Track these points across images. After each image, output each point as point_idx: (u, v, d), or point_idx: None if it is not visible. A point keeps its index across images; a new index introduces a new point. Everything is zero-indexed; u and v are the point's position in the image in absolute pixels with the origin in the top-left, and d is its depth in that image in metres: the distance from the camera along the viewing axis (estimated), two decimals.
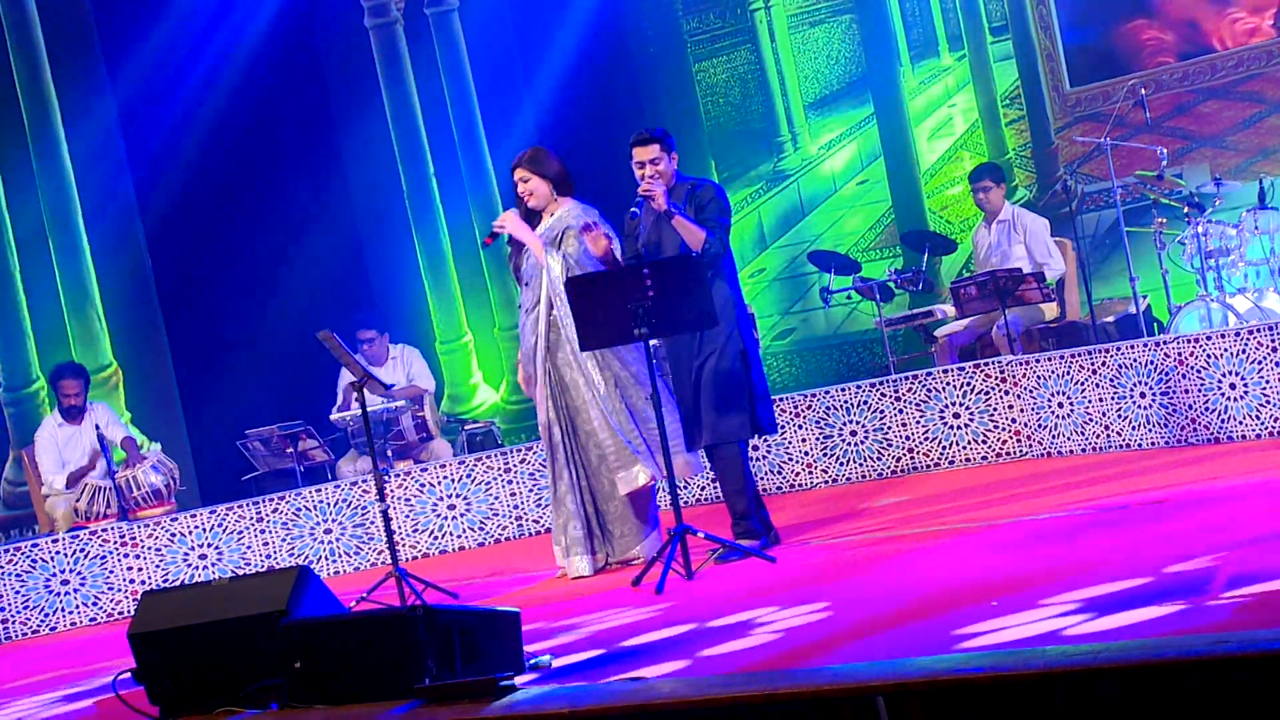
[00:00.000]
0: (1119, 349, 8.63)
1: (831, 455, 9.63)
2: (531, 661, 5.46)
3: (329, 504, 9.92)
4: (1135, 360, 8.49)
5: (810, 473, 9.68)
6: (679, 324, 6.97)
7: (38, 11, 12.69)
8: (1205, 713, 3.57)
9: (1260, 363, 8.02)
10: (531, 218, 7.69)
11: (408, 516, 9.94)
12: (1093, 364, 8.70)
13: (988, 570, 5.92)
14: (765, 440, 9.66)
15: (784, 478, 9.74)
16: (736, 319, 7.32)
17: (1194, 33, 11.54)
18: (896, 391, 9.49)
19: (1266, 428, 8.02)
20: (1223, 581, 4.89)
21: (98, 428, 10.37)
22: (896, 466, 9.47)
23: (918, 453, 9.42)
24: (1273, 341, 8.00)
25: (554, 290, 7.48)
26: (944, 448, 9.35)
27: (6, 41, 12.65)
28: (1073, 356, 8.87)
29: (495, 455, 10.11)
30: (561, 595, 7.27)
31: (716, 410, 7.30)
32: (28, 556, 9.70)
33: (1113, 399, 8.60)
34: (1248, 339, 8.09)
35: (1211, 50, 11.45)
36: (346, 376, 10.32)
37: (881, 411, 9.51)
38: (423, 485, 10.00)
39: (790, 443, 9.71)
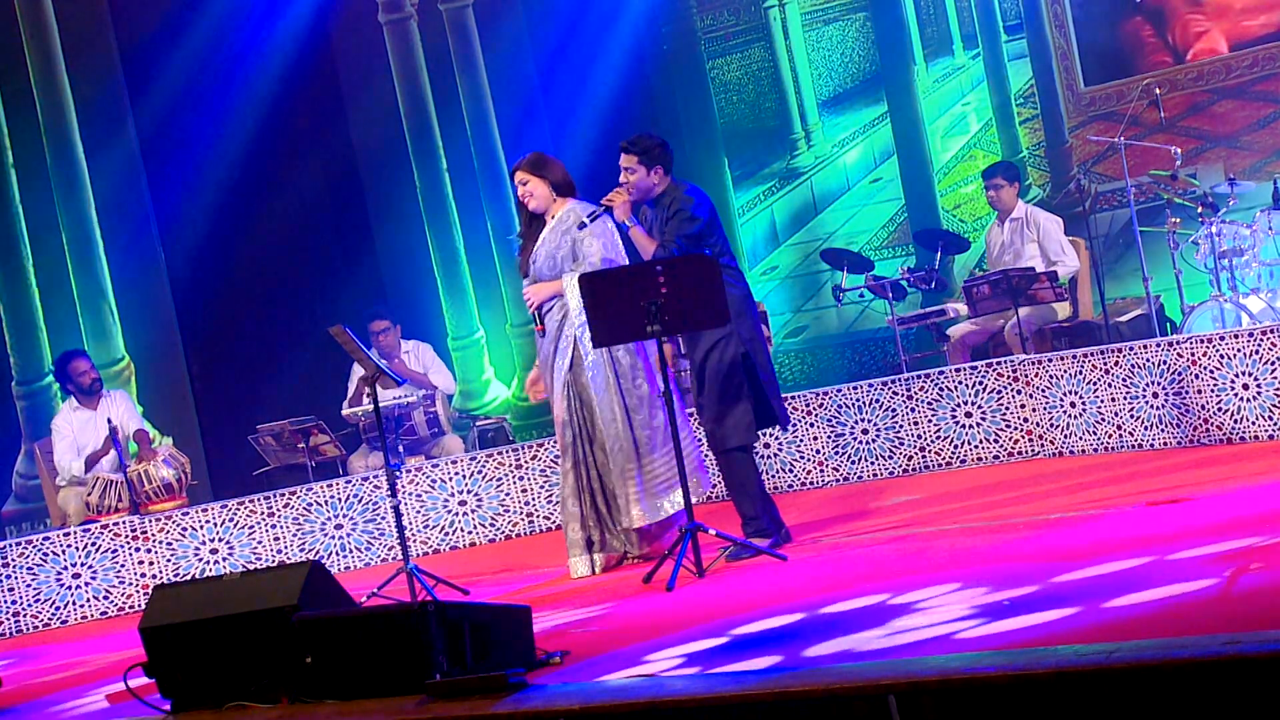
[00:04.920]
0: (1132, 349, 8.62)
1: (843, 454, 9.62)
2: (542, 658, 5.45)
3: (340, 499, 9.93)
4: (1148, 360, 8.48)
5: (822, 471, 9.67)
6: (691, 321, 6.95)
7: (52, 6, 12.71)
8: (1217, 713, 3.57)
9: (1274, 363, 8.00)
10: (533, 222, 7.74)
11: (419, 512, 9.95)
12: (1105, 364, 8.68)
13: (997, 569, 5.92)
14: (776, 438, 9.66)
15: (795, 476, 9.73)
16: (733, 317, 7.20)
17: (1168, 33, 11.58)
18: (908, 390, 9.48)
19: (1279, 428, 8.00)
20: (1235, 582, 4.88)
21: (110, 421, 10.38)
22: (908, 465, 9.46)
23: (929, 451, 9.41)
24: None
25: (577, 310, 7.48)
26: (956, 447, 9.34)
27: (21, 31, 12.66)
28: (1085, 356, 8.86)
29: (507, 451, 10.11)
30: (575, 592, 7.27)
31: (717, 415, 7.28)
32: (39, 550, 9.72)
33: (1125, 399, 8.58)
34: (1261, 339, 8.07)
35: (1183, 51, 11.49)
36: (359, 372, 10.33)
37: (893, 410, 9.49)
38: (434, 481, 10.00)
39: (802, 440, 9.71)
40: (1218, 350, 8.18)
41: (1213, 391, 8.19)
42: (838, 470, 9.64)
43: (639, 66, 13.39)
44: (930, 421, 9.40)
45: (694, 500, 7.34)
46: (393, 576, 7.65)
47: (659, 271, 6.83)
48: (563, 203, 7.69)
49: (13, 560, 9.69)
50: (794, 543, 7.41)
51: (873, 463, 9.56)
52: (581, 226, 7.55)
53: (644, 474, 7.54)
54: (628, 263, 7.56)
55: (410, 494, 9.92)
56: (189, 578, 9.51)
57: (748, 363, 7.27)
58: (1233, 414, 8.13)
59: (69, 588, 9.70)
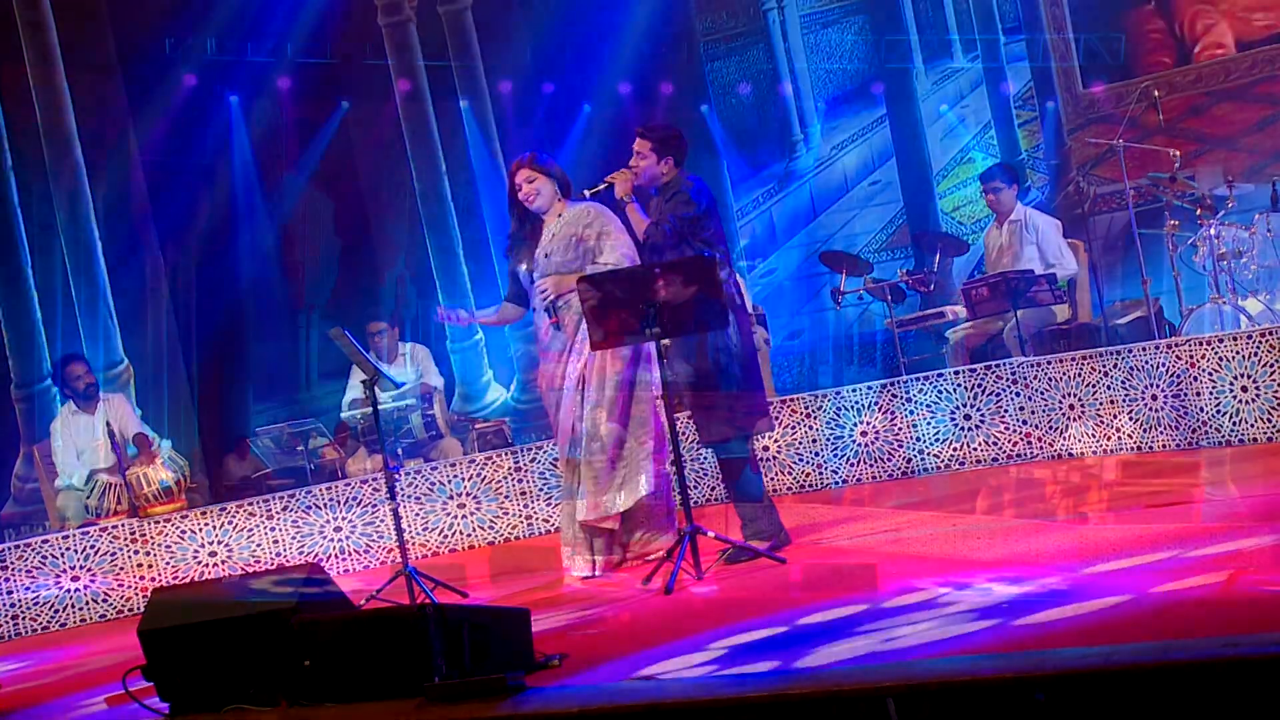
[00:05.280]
0: (1130, 351, 8.61)
1: (842, 456, 9.62)
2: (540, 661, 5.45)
3: (339, 502, 9.92)
4: (1147, 362, 8.47)
5: (821, 473, 9.67)
6: (690, 324, 6.95)
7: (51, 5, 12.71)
8: (1216, 715, 3.56)
9: (1272, 365, 8.00)
10: (526, 221, 7.73)
11: (417, 515, 9.94)
12: (1104, 366, 8.68)
13: (997, 571, 5.91)
14: (776, 440, 9.66)
15: (794, 478, 9.73)
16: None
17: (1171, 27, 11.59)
18: (907, 392, 9.48)
19: (1278, 430, 8.00)
20: (1234, 582, 4.88)
21: (109, 424, 10.37)
22: (907, 467, 9.46)
23: (928, 454, 9.40)
24: None
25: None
26: (954, 449, 9.33)
27: (20, 34, 12.65)
28: (1084, 358, 8.85)
29: (505, 454, 10.10)
30: (573, 594, 7.27)
31: (709, 407, 7.30)
32: (38, 552, 9.71)
33: (1124, 401, 8.58)
34: (1259, 341, 8.06)
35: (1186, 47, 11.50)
36: (357, 374, 10.34)
37: (892, 412, 9.49)
38: (433, 484, 10.00)
39: (801, 443, 9.70)
40: (1216, 352, 8.18)
41: (1211, 394, 8.18)
42: (837, 472, 9.64)
43: (638, 68, 13.40)
44: (929, 424, 9.40)
45: (627, 505, 7.40)
46: (391, 579, 7.64)
47: (658, 274, 6.83)
48: (564, 202, 7.70)
49: (11, 563, 9.68)
50: (793, 545, 7.41)
51: (872, 465, 9.56)
52: (580, 199, 7.57)
53: (599, 471, 7.53)
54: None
55: (409, 496, 9.92)
56: (188, 581, 9.51)
57: (730, 357, 7.27)
58: (1231, 416, 8.12)
59: (68, 591, 9.69)
